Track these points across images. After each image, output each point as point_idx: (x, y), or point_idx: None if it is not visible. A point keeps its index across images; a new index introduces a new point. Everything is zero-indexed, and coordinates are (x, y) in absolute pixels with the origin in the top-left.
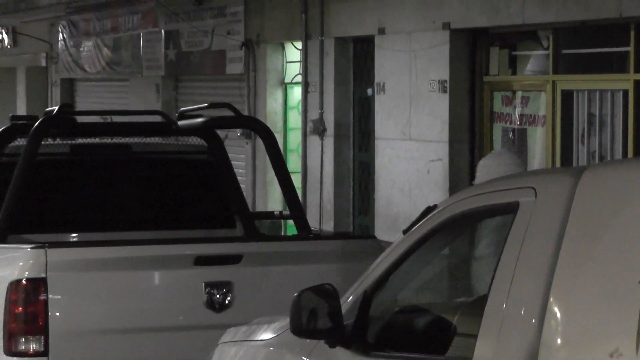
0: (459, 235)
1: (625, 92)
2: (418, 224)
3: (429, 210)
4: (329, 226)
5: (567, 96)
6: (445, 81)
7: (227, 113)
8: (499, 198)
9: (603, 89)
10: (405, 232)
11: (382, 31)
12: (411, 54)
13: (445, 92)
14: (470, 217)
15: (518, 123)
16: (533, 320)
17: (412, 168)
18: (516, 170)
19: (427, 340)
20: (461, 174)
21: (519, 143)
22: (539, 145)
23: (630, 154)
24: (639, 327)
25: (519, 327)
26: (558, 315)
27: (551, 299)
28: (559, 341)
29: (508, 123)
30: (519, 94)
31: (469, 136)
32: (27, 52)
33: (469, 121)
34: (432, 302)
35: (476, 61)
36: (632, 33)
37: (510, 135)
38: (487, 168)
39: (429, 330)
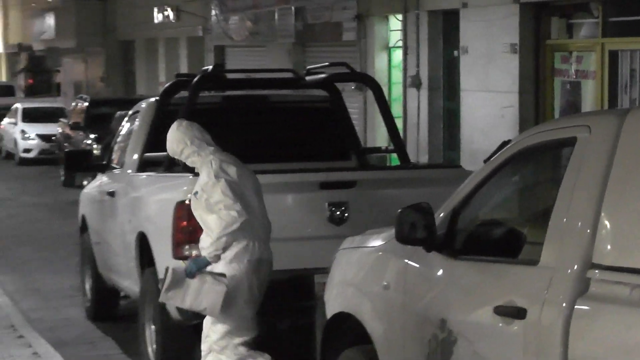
0: (527, 163)
1: None
2: (495, 155)
3: (504, 144)
4: (424, 159)
5: (613, 55)
6: (516, 44)
7: (344, 71)
8: (560, 134)
9: None
10: (485, 161)
11: (465, 5)
12: (488, 23)
13: (515, 53)
14: (537, 149)
15: (573, 77)
16: (588, 231)
17: (489, 113)
18: None
19: (502, 247)
20: (528, 116)
21: (574, 93)
22: (590, 95)
23: None
24: None
25: (576, 236)
26: (608, 226)
27: (602, 214)
28: (608, 247)
29: (565, 77)
30: (574, 54)
31: (534, 87)
32: (187, 25)
33: (534, 76)
34: (506, 217)
35: (540, 28)
36: None
37: (567, 87)
38: None
39: (503, 239)
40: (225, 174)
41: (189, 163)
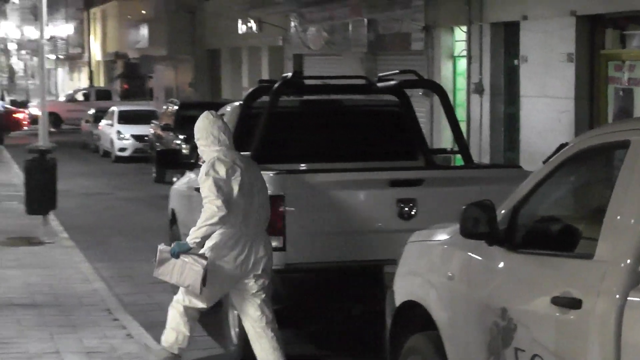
0: (583, 164)
1: None
2: (553, 157)
3: (561, 146)
4: (485, 159)
5: None
6: (572, 54)
7: (413, 78)
8: (614, 137)
9: None
10: (544, 162)
11: (525, 17)
12: (547, 34)
13: (571, 61)
14: (593, 151)
15: (626, 84)
16: None
17: (547, 118)
18: None
19: (559, 242)
20: (583, 121)
21: (626, 99)
22: None
23: None
24: None
25: (629, 232)
26: None
27: None
28: None
29: (618, 84)
30: (627, 63)
31: (589, 94)
32: (268, 35)
33: (589, 83)
34: (563, 214)
35: (595, 39)
36: None
37: (620, 94)
38: None
39: (561, 234)
40: (214, 172)
41: (199, 152)
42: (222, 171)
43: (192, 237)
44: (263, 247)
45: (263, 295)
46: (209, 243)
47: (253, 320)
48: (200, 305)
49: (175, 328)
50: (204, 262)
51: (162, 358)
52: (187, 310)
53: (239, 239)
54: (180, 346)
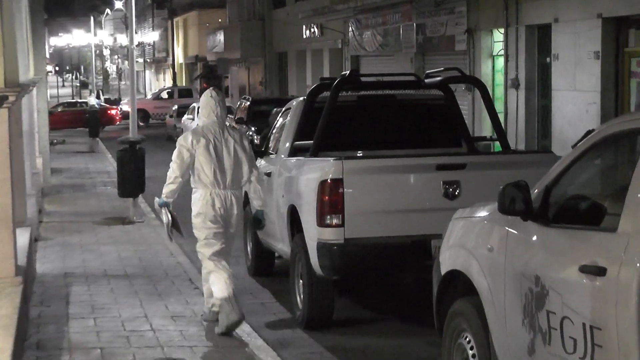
0: (608, 148)
1: None
2: (581, 142)
3: (588, 132)
4: (521, 146)
5: None
6: (598, 52)
7: (456, 74)
8: (636, 124)
9: None
10: (573, 147)
11: (556, 20)
12: (576, 34)
13: (598, 59)
14: (617, 137)
15: None
16: None
17: (576, 109)
18: None
19: (587, 217)
20: (609, 111)
21: None
22: None
23: None
24: None
25: None
26: None
27: None
28: None
29: None
30: None
31: (614, 87)
32: (329, 39)
33: (614, 77)
34: (590, 193)
35: (619, 38)
36: None
37: None
38: None
39: (588, 211)
40: (183, 141)
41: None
42: (187, 141)
43: (162, 194)
44: (236, 204)
45: (231, 240)
46: (193, 207)
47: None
48: (214, 249)
49: (214, 278)
50: (168, 217)
51: (216, 306)
52: (210, 261)
53: (217, 197)
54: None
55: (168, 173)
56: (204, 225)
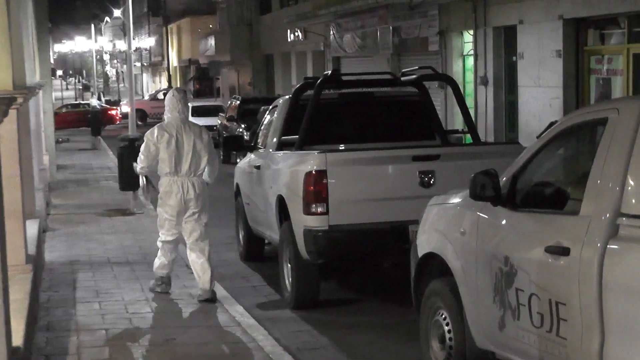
0: (570, 138)
1: None
2: (545, 133)
3: (552, 124)
4: (490, 138)
5: (637, 57)
6: (560, 50)
7: (430, 72)
8: (595, 115)
9: None
10: (537, 137)
11: (521, 22)
12: (539, 35)
13: (560, 57)
14: (577, 127)
15: (605, 75)
16: (617, 188)
17: (540, 103)
18: None
19: (551, 202)
20: (570, 105)
21: (605, 87)
22: (619, 88)
23: None
24: None
25: (608, 193)
26: (633, 185)
27: (628, 176)
28: (633, 200)
29: (599, 75)
30: (606, 57)
31: (575, 83)
32: (312, 42)
33: (575, 74)
34: (554, 179)
35: (579, 37)
36: None
37: (600, 82)
38: None
39: (552, 196)
40: (150, 135)
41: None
42: (154, 135)
43: (136, 169)
44: (193, 188)
45: (202, 221)
46: (160, 188)
47: (192, 238)
48: (166, 238)
49: (159, 256)
50: (143, 181)
51: (154, 279)
52: (164, 244)
53: (174, 183)
54: (163, 271)
55: (137, 160)
56: (162, 209)
